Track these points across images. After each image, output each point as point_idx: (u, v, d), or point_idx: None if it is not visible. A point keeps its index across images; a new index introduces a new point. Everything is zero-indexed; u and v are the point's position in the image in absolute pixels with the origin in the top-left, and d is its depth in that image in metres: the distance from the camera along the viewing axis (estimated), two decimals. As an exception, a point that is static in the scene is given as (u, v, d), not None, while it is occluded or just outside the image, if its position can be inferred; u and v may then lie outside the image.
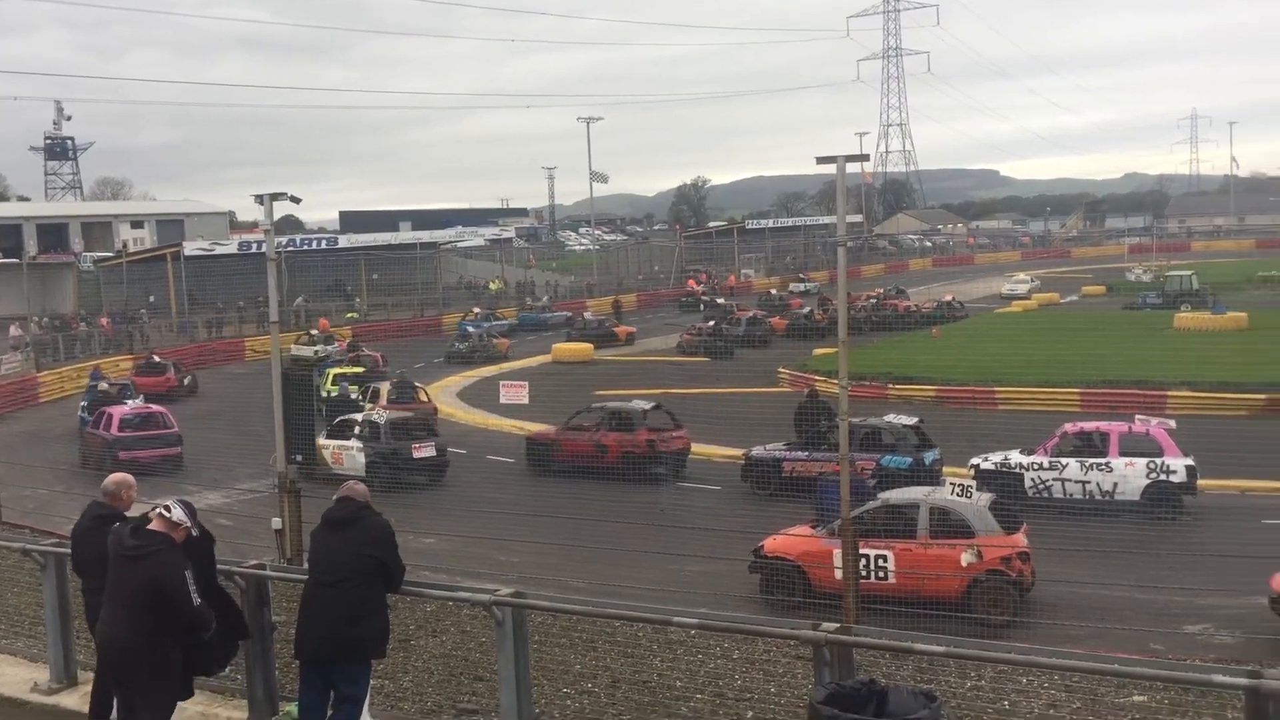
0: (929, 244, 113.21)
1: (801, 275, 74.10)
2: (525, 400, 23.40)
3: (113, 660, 6.84)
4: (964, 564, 14.50)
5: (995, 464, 20.19)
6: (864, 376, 29.79)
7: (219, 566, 7.71)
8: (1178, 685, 8.89)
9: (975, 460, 20.50)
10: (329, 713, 7.27)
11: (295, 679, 7.92)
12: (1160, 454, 19.49)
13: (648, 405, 24.65)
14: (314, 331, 48.88)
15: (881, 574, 14.73)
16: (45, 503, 21.69)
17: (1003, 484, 18.93)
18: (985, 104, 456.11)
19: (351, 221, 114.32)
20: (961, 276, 80.00)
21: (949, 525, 14.99)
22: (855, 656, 6.87)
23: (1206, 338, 39.70)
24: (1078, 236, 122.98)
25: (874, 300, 52.88)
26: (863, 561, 14.28)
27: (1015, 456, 20.33)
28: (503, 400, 24.31)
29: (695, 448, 25.31)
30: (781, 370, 34.90)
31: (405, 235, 79.88)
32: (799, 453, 21.65)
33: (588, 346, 45.04)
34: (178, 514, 6.89)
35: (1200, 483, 20.27)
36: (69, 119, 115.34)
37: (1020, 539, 14.88)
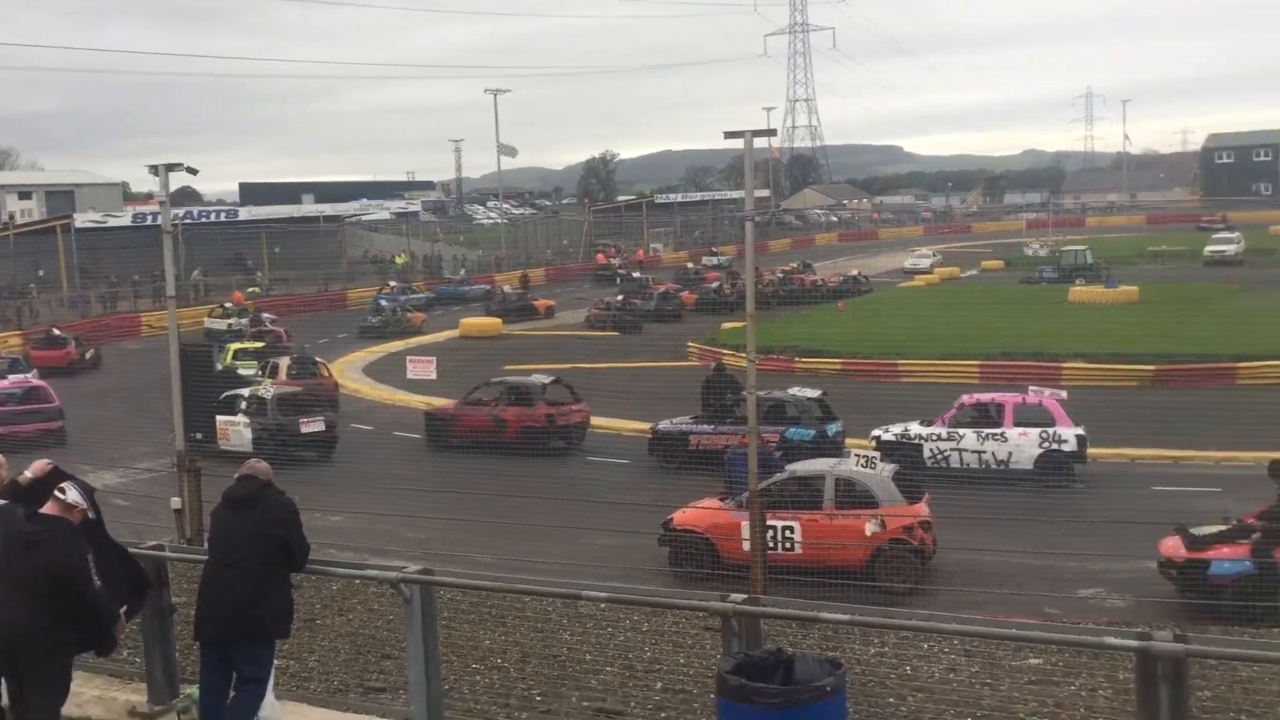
0: (835, 219, 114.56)
1: (713, 249, 74.41)
2: (433, 376, 23.20)
3: (3, 645, 6.61)
4: (868, 534, 14.77)
5: (895, 435, 20.60)
6: (771, 350, 30.08)
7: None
8: (1072, 648, 9.19)
9: (876, 432, 20.89)
10: (231, 694, 7.14)
11: (196, 661, 7.76)
12: (1052, 424, 20.07)
13: (546, 379, 24.67)
14: (228, 304, 47.99)
15: (789, 545, 14.93)
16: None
17: (903, 455, 19.32)
18: (889, 81, 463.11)
19: (252, 194, 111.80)
20: (866, 251, 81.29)
21: (854, 496, 15.25)
22: (763, 626, 6.95)
23: (1100, 311, 40.93)
24: (978, 212, 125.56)
25: (782, 275, 53.39)
26: (770, 533, 14.46)
27: (915, 428, 20.75)
28: (410, 375, 24.09)
29: (604, 422, 25.37)
30: (690, 344, 35.10)
31: (308, 208, 78.44)
32: (705, 426, 21.82)
33: (496, 321, 44.79)
34: (73, 496, 6.67)
35: (1093, 451, 20.94)
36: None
37: (922, 508, 15.21)
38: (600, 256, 73.37)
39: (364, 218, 78.75)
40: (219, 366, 28.70)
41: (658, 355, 33.67)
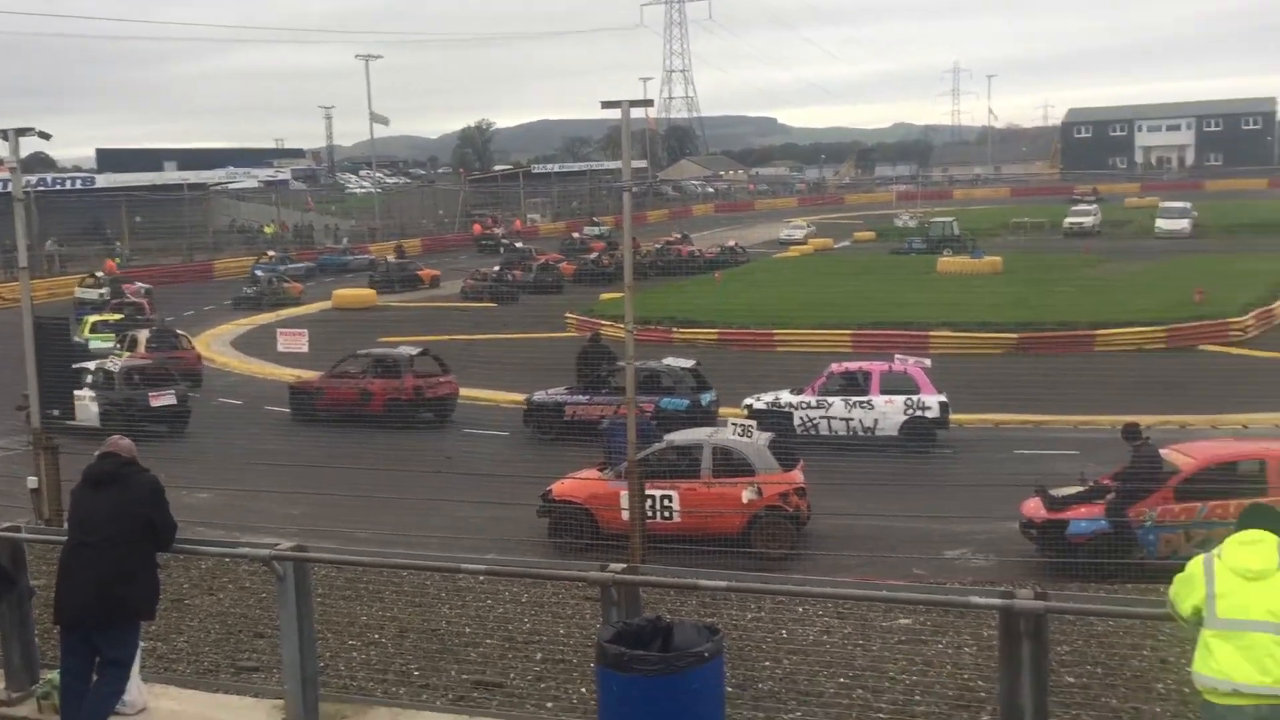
0: (711, 190, 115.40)
1: (595, 219, 74.14)
2: (305, 349, 22.65)
3: None
4: (745, 501, 15.00)
5: (767, 404, 20.94)
6: (649, 321, 30.23)
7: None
8: (939, 607, 9.50)
9: (748, 401, 21.23)
10: (94, 678, 6.89)
11: (56, 646, 7.47)
12: (917, 391, 20.66)
13: (414, 351, 24.41)
14: (99, 274, 46.06)
15: (667, 514, 15.07)
16: None
17: (774, 423, 19.63)
18: (764, 52, 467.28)
19: (110, 160, 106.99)
20: (742, 222, 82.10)
21: (731, 464, 15.45)
22: (642, 595, 7.00)
23: (966, 281, 42.15)
24: (850, 184, 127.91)
25: (660, 246, 53.60)
26: (649, 502, 14.57)
27: (785, 396, 21.14)
28: (280, 349, 23.45)
29: (482, 394, 25.19)
30: (569, 315, 35.03)
31: (171, 175, 75.55)
32: (580, 396, 21.87)
33: (370, 293, 44.00)
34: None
35: (959, 417, 21.61)
36: None
37: (797, 475, 15.49)
38: (477, 227, 72.51)
39: (230, 186, 76.33)
40: (77, 339, 27.60)
41: (536, 326, 33.52)
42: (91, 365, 23.57)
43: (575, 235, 64.64)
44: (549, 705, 8.20)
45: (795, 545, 14.95)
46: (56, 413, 15.68)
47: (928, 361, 21.54)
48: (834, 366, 21.66)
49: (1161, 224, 59.48)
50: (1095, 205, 69.22)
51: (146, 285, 43.45)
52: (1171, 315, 30.35)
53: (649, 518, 14.38)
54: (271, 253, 55.88)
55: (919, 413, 20.49)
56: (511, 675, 8.90)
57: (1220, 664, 5.45)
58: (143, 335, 28.83)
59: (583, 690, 8.33)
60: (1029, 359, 27.62)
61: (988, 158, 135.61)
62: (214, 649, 9.60)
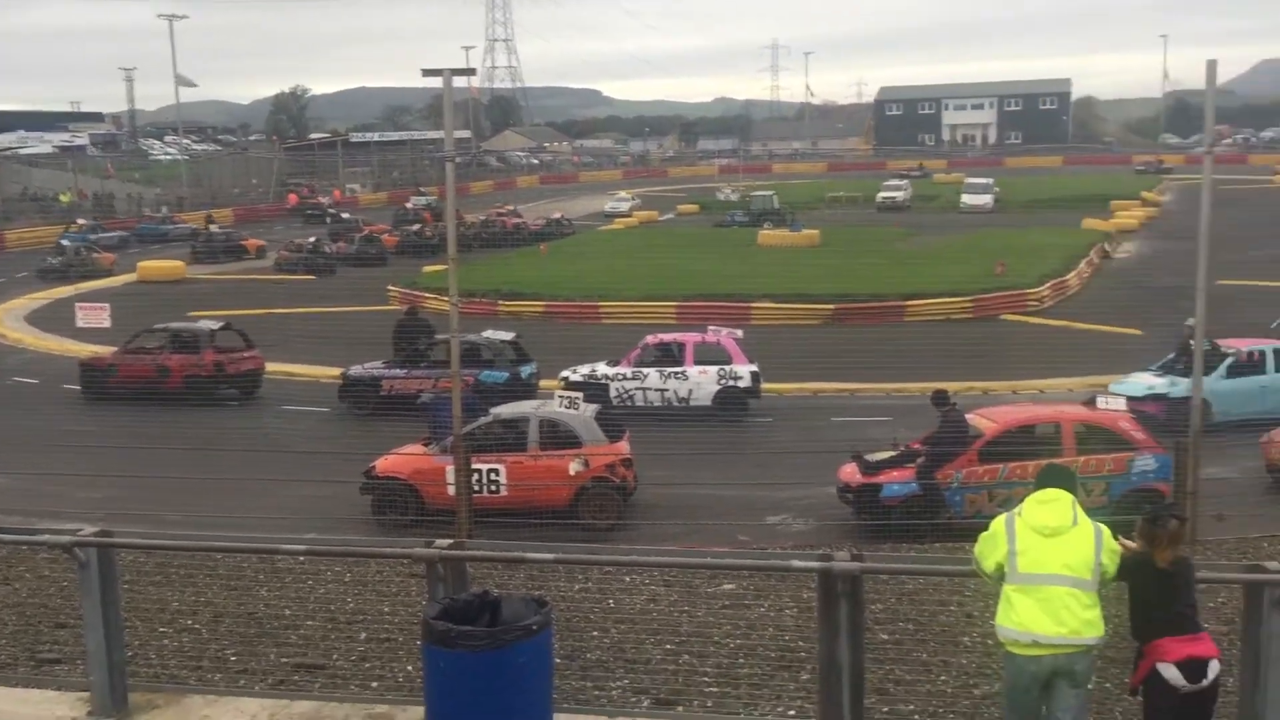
0: (536, 161, 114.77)
1: (421, 189, 72.39)
2: (107, 323, 21.55)
3: None
4: (572, 473, 15.04)
5: (583, 376, 21.04)
6: (474, 294, 29.91)
7: None
8: (761, 572, 9.75)
9: (565, 373, 21.30)
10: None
11: None
12: (730, 361, 21.11)
13: (215, 325, 23.54)
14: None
15: (494, 488, 14.97)
16: None
17: (590, 395, 19.75)
18: (587, 23, 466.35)
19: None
20: (567, 194, 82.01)
21: (558, 437, 15.46)
22: (469, 570, 6.94)
23: (785, 253, 43.18)
24: (674, 157, 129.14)
25: (484, 218, 52.98)
26: (475, 476, 14.46)
27: (602, 368, 21.29)
28: (80, 324, 22.25)
29: (300, 370, 24.48)
30: (391, 288, 34.32)
31: (-46, 139, 70.39)
32: (398, 370, 21.52)
33: (179, 264, 42.07)
34: None
35: (779, 386, 22.18)
36: None
37: (623, 446, 15.62)
38: (293, 197, 70.17)
39: (21, 151, 71.64)
40: None
41: (358, 300, 32.70)
42: None
43: (408, 205, 62.89)
44: (374, 685, 8.07)
45: (622, 516, 15.09)
46: None
47: (739, 332, 22.00)
48: (649, 338, 21.92)
49: (966, 199, 62.18)
50: (906, 181, 71.81)
51: None
52: (976, 287, 31.83)
53: (475, 492, 14.28)
54: (81, 220, 52.71)
55: (731, 382, 20.95)
56: (334, 656, 8.71)
57: (1021, 617, 5.77)
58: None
59: (409, 668, 8.22)
60: (844, 329, 28.54)
61: (805, 133, 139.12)
62: (10, 641, 9.07)
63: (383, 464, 15.42)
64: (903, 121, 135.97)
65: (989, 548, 5.98)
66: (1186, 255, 14.40)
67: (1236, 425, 16.69)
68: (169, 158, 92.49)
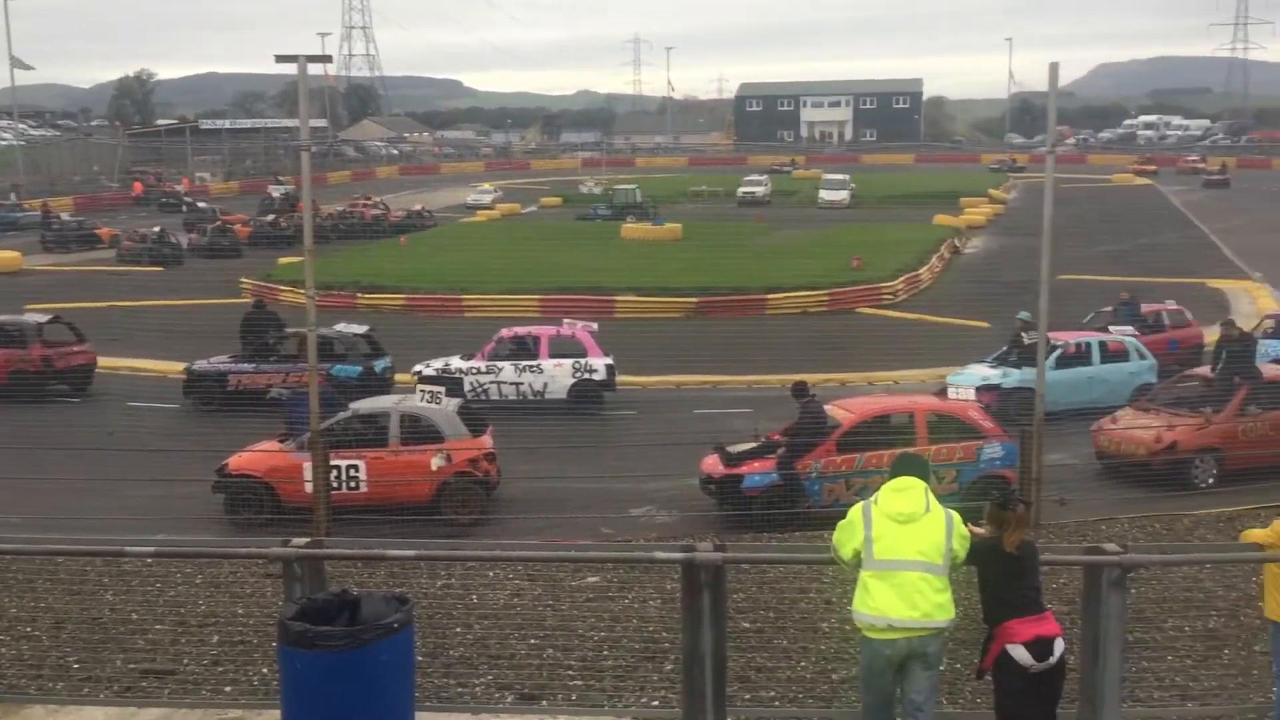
0: (396, 152, 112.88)
1: (280, 178, 70.06)
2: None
3: None
4: (434, 468, 14.85)
5: (437, 370, 20.81)
6: (332, 286, 29.29)
7: None
8: (625, 564, 9.80)
9: (418, 367, 21.05)
10: None
11: None
12: (585, 355, 21.17)
13: (43, 319, 22.56)
14: None
15: (353, 484, 14.69)
16: None
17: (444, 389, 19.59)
18: (448, 13, 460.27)
19: None
20: (428, 185, 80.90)
21: (419, 431, 15.24)
22: (328, 569, 6.79)
23: (648, 247, 43.45)
24: (536, 149, 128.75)
25: (342, 209, 51.76)
26: (334, 473, 14.16)
27: (456, 362, 21.11)
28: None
29: (146, 365, 23.59)
30: (244, 280, 33.30)
31: None
32: (246, 365, 20.94)
33: (16, 255, 40.03)
34: None
35: (642, 379, 22.32)
36: None
37: (486, 440, 15.50)
38: (138, 185, 67.47)
39: None
40: None
41: (209, 292, 31.64)
42: None
43: (274, 194, 60.60)
44: (227, 689, 7.82)
45: (485, 510, 14.97)
46: None
47: (594, 326, 22.06)
48: (503, 332, 21.82)
49: (824, 195, 63.55)
50: (766, 176, 72.99)
51: None
52: (833, 280, 32.59)
53: (334, 489, 13.98)
54: None
55: (587, 375, 21.01)
56: (185, 661, 8.42)
57: (877, 602, 5.92)
58: None
59: (264, 671, 8.00)
60: (706, 322, 28.88)
61: (667, 127, 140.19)
62: None
63: (236, 461, 14.97)
64: (762, 118, 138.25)
65: (847, 535, 6.12)
66: (1030, 251, 15.01)
67: (1073, 414, 17.46)
68: (4, 143, 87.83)
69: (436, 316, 29.37)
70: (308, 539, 6.88)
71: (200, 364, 21.13)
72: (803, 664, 8.27)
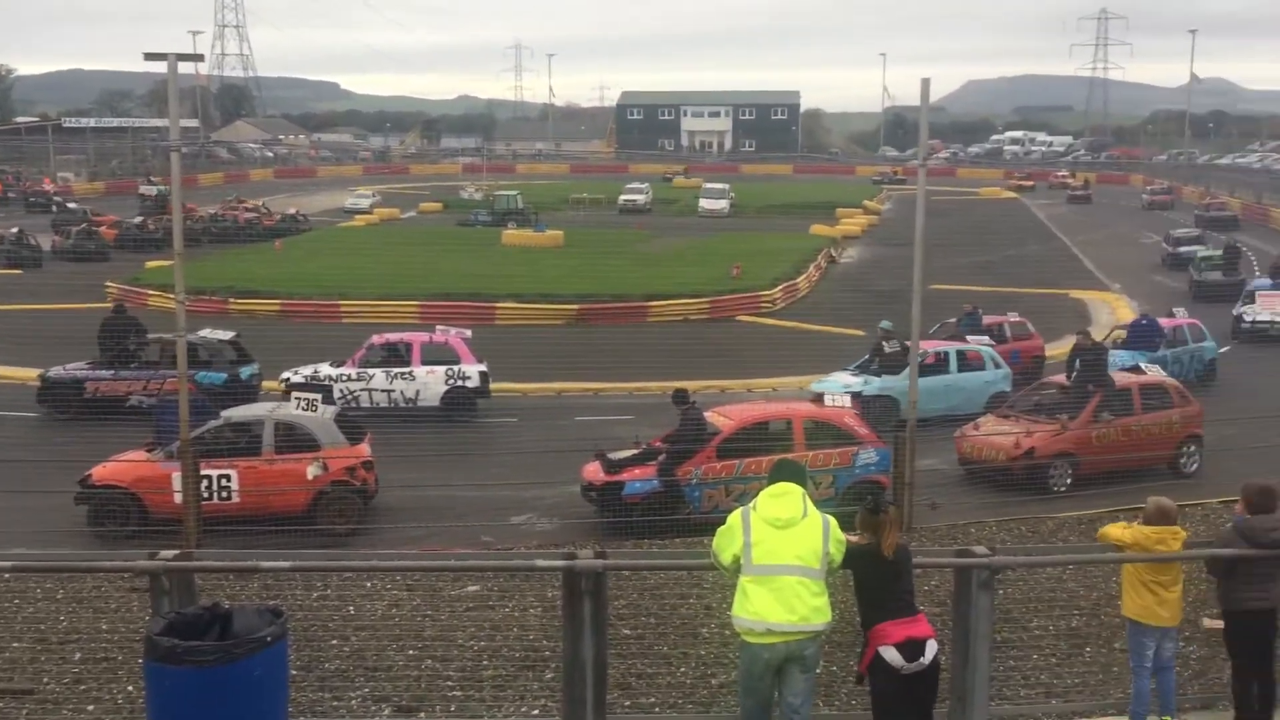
0: (270, 154, 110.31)
1: (151, 179, 67.42)
2: None
3: None
4: (310, 477, 14.55)
5: (306, 377, 20.41)
6: (203, 291, 28.47)
7: None
8: (506, 572, 9.74)
9: (286, 374, 20.64)
10: None
11: None
12: (458, 361, 21.01)
13: None
14: None
15: (225, 494, 14.29)
16: None
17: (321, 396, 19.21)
18: (325, 14, 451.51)
19: None
20: (305, 189, 79.24)
21: (294, 440, 14.92)
22: (198, 582, 6.59)
23: (530, 254, 43.30)
24: (416, 154, 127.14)
25: (214, 211, 50.22)
26: (205, 483, 13.76)
27: (325, 369, 20.74)
28: None
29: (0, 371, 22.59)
30: (109, 284, 32.10)
31: None
32: (104, 371, 20.23)
33: None
34: None
35: (523, 386, 22.23)
36: None
37: (364, 449, 15.24)
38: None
39: None
40: None
41: (70, 296, 30.42)
42: None
43: (148, 194, 58.02)
44: (90, 708, 7.54)
45: (363, 520, 14.73)
46: None
47: (468, 332, 21.90)
48: (374, 338, 21.53)
49: (703, 204, 64.22)
50: (647, 184, 73.42)
51: None
52: (713, 288, 32.96)
53: (205, 499, 13.59)
54: None
55: (460, 382, 20.85)
56: (45, 680, 8.08)
57: (755, 606, 6.00)
58: None
59: (130, 689, 7.72)
60: (588, 329, 28.91)
61: (549, 134, 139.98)
62: None
63: (100, 471, 14.42)
64: (644, 126, 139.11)
65: (726, 541, 6.19)
66: (903, 260, 15.40)
67: (934, 421, 17.92)
68: None
69: (313, 322, 28.79)
70: (176, 551, 6.68)
71: (55, 370, 20.31)
72: (683, 669, 8.32)
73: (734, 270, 35.31)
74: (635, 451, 15.13)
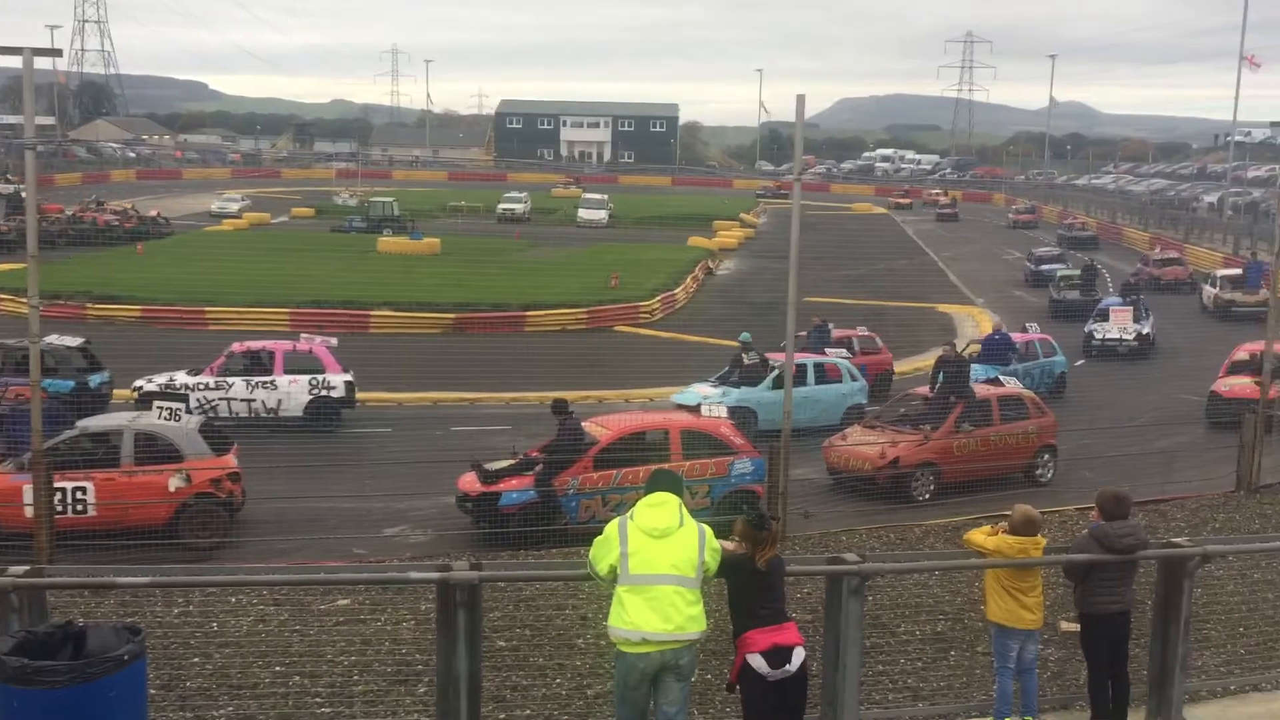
0: (133, 154, 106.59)
1: (8, 177, 64.19)
2: None
3: None
4: (172, 489, 14.06)
5: (159, 385, 19.78)
6: (59, 295, 27.31)
7: None
8: (378, 585, 9.55)
9: (139, 382, 19.98)
10: None
11: None
12: (323, 371, 20.61)
13: None
14: None
15: (81, 507, 13.71)
16: None
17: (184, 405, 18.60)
18: (191, 11, 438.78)
19: None
20: (169, 191, 76.77)
21: (156, 450, 14.40)
22: (50, 599, 6.29)
23: (406, 261, 42.77)
24: (288, 158, 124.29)
25: (71, 213, 48.16)
26: (58, 495, 13.16)
27: (181, 377, 20.15)
28: None
29: None
30: (-44, 287, 30.59)
31: None
32: None
33: None
34: None
35: (398, 395, 21.89)
36: None
37: (231, 460, 14.79)
38: None
39: None
40: None
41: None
42: None
43: (1, 195, 54.99)
44: (-70, 736, 7.11)
45: (228, 533, 14.28)
46: None
47: (334, 340, 21.50)
48: (235, 346, 20.98)
49: (582, 214, 64.33)
50: (525, 194, 73.23)
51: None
52: (591, 299, 33.02)
53: (59, 513, 12.99)
54: None
55: (324, 392, 20.45)
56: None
57: (631, 616, 6.00)
58: None
59: (-25, 714, 7.32)
60: (465, 338, 28.67)
61: (426, 141, 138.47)
62: None
63: (-56, 485, 13.68)
64: (523, 135, 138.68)
65: (603, 551, 6.18)
66: (778, 273, 15.66)
67: (812, 432, 18.25)
68: None
69: (177, 329, 27.88)
70: (27, 567, 6.36)
71: None
72: (558, 681, 8.28)
73: (612, 280, 35.43)
74: (512, 462, 15.03)
